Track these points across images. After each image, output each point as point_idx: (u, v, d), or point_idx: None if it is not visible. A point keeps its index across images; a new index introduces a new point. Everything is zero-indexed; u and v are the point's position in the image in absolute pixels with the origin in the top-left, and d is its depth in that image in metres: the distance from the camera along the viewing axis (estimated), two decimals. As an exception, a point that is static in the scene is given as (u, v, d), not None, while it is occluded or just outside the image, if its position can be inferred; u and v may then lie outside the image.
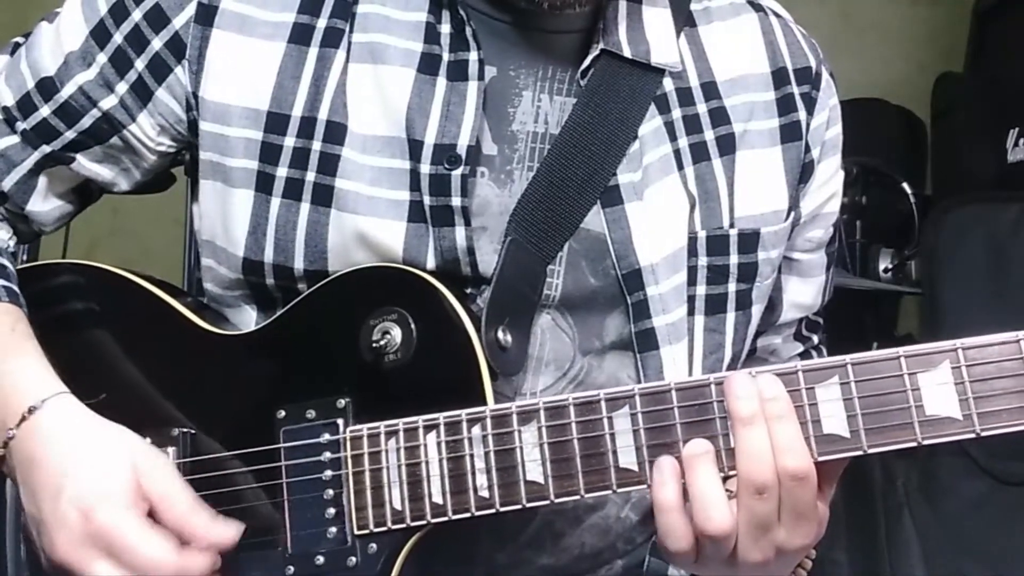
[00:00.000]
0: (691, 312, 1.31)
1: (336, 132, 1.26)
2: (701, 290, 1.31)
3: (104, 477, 1.14)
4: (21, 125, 1.33)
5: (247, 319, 1.34)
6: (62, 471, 1.14)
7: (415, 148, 1.25)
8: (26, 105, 1.33)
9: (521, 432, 1.13)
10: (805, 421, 1.07)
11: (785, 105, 1.37)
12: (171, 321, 1.32)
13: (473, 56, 1.26)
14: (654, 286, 1.28)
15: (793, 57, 1.39)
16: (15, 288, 1.29)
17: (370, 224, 1.24)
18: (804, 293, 1.48)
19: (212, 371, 1.30)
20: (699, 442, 1.09)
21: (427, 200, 1.24)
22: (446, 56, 1.27)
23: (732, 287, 1.33)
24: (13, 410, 1.19)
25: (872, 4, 3.96)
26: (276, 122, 1.27)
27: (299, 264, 1.27)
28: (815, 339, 1.54)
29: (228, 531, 1.16)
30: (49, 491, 1.14)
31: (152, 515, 1.14)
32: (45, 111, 1.32)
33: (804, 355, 1.53)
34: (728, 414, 1.08)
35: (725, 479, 1.09)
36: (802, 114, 1.37)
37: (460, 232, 1.24)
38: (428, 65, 1.27)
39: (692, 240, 1.30)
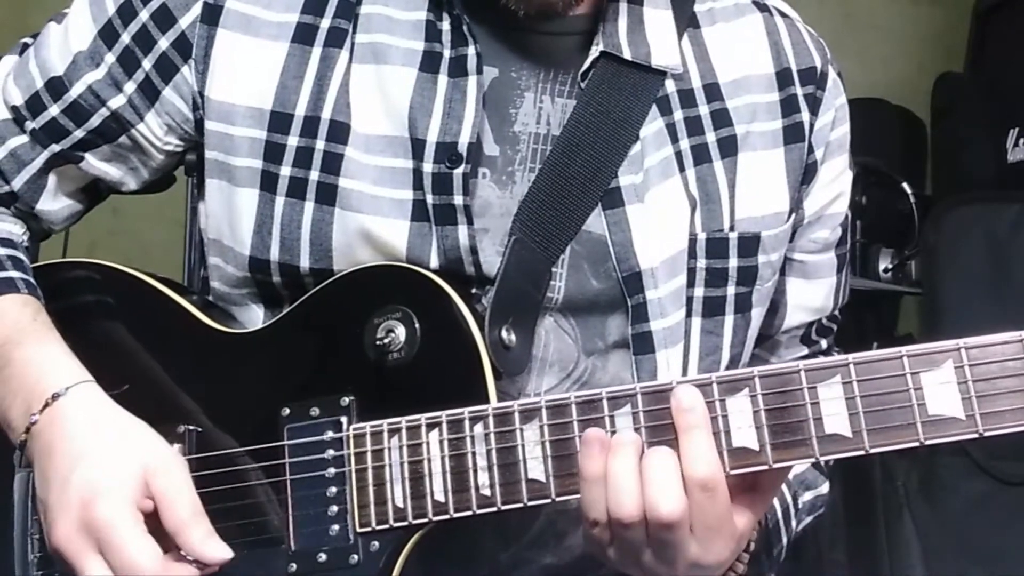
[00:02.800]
0: (689, 313, 1.31)
1: (339, 131, 1.26)
2: (699, 292, 1.31)
3: (112, 469, 1.14)
4: (30, 124, 1.34)
5: (254, 317, 1.34)
6: (74, 458, 1.15)
7: (418, 147, 1.25)
8: (35, 104, 1.34)
9: (523, 430, 1.14)
10: (807, 420, 1.07)
11: (788, 106, 1.36)
12: (177, 319, 1.32)
13: (471, 51, 1.26)
14: (653, 290, 1.28)
15: (798, 57, 1.38)
16: (32, 280, 1.31)
17: (374, 223, 1.25)
18: (810, 295, 1.46)
19: (218, 369, 1.30)
20: (629, 432, 1.10)
21: (430, 199, 1.24)
22: (447, 53, 1.27)
23: (731, 290, 1.33)
24: (38, 395, 1.20)
25: (872, 4, 3.96)
26: (279, 121, 1.27)
27: (305, 263, 1.27)
28: (823, 343, 1.52)
29: (218, 552, 1.13)
30: (59, 478, 1.15)
31: (155, 515, 1.14)
32: (54, 110, 1.33)
33: (808, 358, 1.51)
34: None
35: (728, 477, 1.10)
36: (805, 115, 1.36)
37: (463, 231, 1.24)
38: (429, 63, 1.27)
39: (692, 242, 1.30)
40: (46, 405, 1.19)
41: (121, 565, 1.11)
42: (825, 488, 1.47)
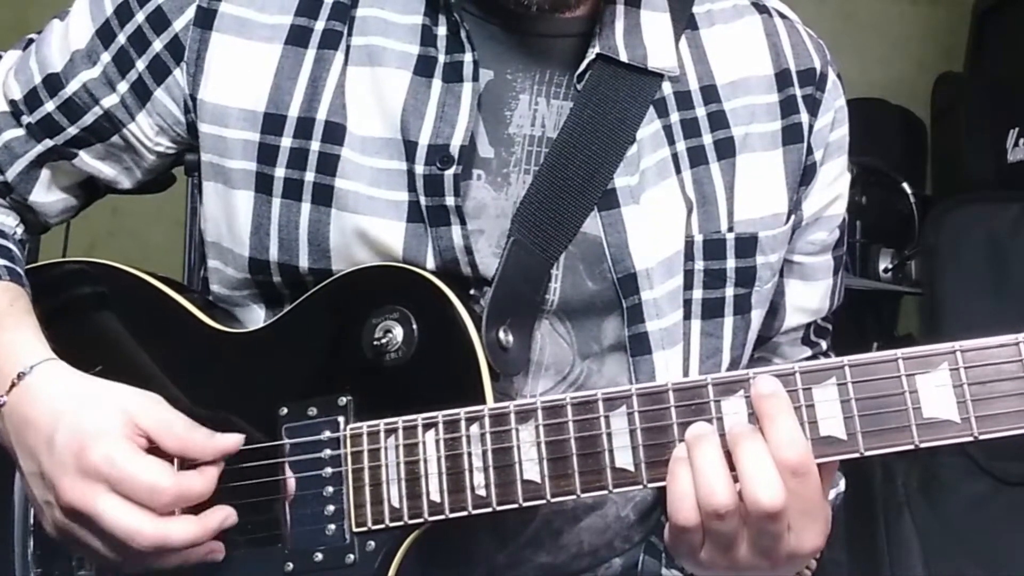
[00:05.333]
0: (687, 316, 1.31)
1: (335, 132, 1.26)
2: (698, 294, 1.31)
3: (95, 417, 1.15)
4: (26, 119, 1.35)
5: (255, 318, 1.34)
6: (54, 421, 1.16)
7: (410, 149, 1.25)
8: (32, 99, 1.34)
9: (519, 431, 1.14)
10: (802, 423, 1.07)
11: (787, 107, 1.36)
12: (177, 318, 1.32)
13: (468, 58, 1.26)
14: (649, 291, 1.28)
15: (797, 59, 1.38)
16: (18, 269, 1.31)
17: (370, 223, 1.25)
18: (808, 297, 1.46)
19: (216, 368, 1.30)
20: (701, 424, 1.09)
21: (423, 200, 1.24)
22: (442, 58, 1.27)
23: (730, 291, 1.33)
24: (3, 377, 1.20)
25: (872, 4, 3.96)
26: (273, 123, 1.27)
27: (304, 263, 1.27)
28: (823, 345, 1.52)
29: (228, 440, 1.18)
30: (44, 443, 1.16)
31: (152, 451, 1.16)
32: (50, 106, 1.34)
33: (811, 360, 1.51)
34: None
35: None
36: (804, 116, 1.36)
37: (456, 231, 1.24)
38: (424, 67, 1.27)
39: (689, 244, 1.30)
40: (12, 385, 1.20)
41: (137, 489, 1.12)
42: (842, 485, 1.47)
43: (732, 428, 1.08)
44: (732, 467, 1.07)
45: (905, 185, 3.28)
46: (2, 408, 1.20)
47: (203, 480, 1.16)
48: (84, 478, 1.13)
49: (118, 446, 1.13)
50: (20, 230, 1.41)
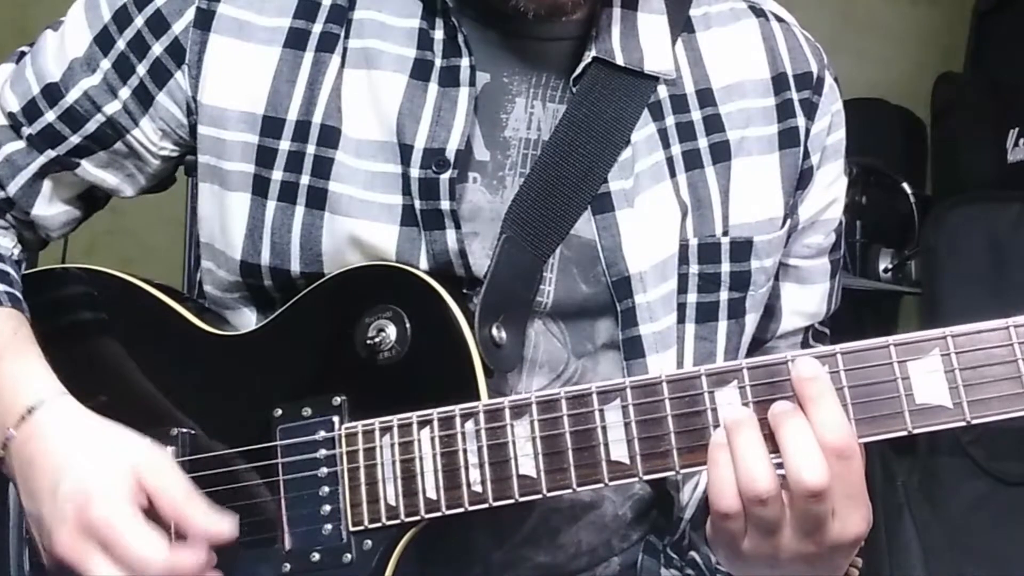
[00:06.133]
0: (681, 320, 1.30)
1: (330, 136, 1.26)
2: (692, 298, 1.31)
3: (101, 472, 1.15)
4: (27, 130, 1.34)
5: (246, 321, 1.34)
6: (60, 469, 1.15)
7: (405, 152, 1.25)
8: (32, 111, 1.33)
9: (514, 426, 1.13)
10: None
11: (784, 111, 1.35)
12: (170, 323, 1.32)
13: (465, 62, 1.26)
14: (642, 294, 1.28)
15: (794, 62, 1.37)
16: (18, 294, 1.30)
17: (363, 227, 1.25)
18: (805, 300, 1.45)
19: (210, 371, 1.30)
20: (740, 408, 1.08)
21: (417, 204, 1.24)
22: (438, 62, 1.27)
23: (724, 296, 1.32)
24: (13, 411, 1.20)
25: (872, 4, 3.95)
26: (271, 126, 1.27)
27: (295, 267, 1.27)
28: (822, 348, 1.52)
29: (223, 524, 1.15)
30: (47, 489, 1.15)
31: (151, 511, 1.15)
32: (51, 116, 1.33)
33: None
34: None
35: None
36: (801, 120, 1.35)
37: (451, 235, 1.24)
38: (420, 71, 1.27)
39: (683, 248, 1.30)
40: (21, 420, 1.19)
41: (128, 559, 1.11)
42: None
43: (775, 408, 1.07)
44: (772, 451, 1.06)
45: (905, 185, 3.28)
46: (9, 443, 1.20)
47: (195, 560, 1.13)
48: (80, 534, 1.12)
49: (120, 510, 1.13)
50: (17, 251, 1.40)
